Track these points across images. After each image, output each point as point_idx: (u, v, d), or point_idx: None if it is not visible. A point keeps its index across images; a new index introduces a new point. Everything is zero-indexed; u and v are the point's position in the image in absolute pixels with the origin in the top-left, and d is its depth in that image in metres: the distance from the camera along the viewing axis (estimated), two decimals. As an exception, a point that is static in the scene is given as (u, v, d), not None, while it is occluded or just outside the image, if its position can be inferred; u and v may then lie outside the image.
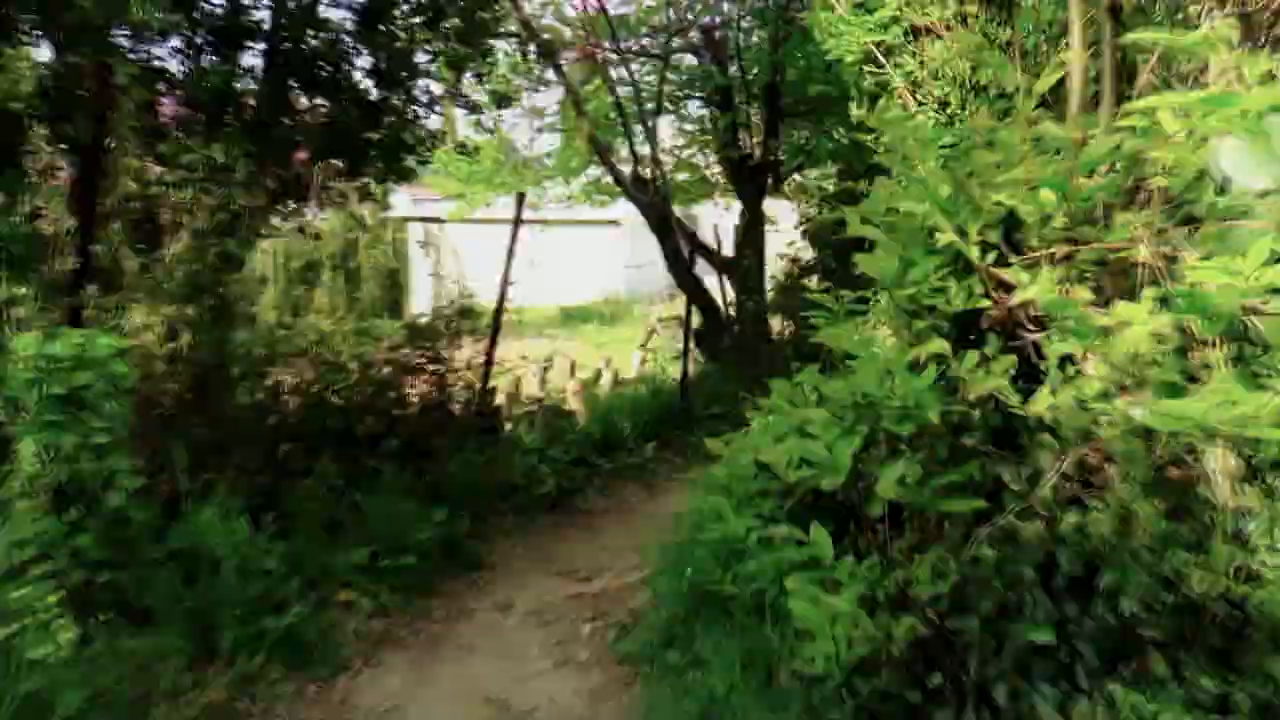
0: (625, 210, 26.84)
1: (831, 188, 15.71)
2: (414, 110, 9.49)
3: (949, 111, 7.33)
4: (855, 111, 9.04)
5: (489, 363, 8.43)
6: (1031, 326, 3.52)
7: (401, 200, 32.82)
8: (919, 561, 3.40)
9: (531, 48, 13.60)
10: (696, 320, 13.20)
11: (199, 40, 7.22)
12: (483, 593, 6.31)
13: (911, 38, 7.78)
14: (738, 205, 15.43)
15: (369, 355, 7.35)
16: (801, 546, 3.83)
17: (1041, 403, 3.11)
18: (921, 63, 7.74)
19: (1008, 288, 3.55)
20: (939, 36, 7.41)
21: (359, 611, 5.51)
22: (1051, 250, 3.34)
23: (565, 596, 6.30)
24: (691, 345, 12.52)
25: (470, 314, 8.18)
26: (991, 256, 3.48)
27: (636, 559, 6.88)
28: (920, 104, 7.69)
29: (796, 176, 16.49)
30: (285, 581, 5.11)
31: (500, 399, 12.88)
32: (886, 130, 5.02)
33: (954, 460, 3.36)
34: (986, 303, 3.61)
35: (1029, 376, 3.52)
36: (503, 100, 11.16)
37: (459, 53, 9.24)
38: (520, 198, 9.02)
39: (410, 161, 9.56)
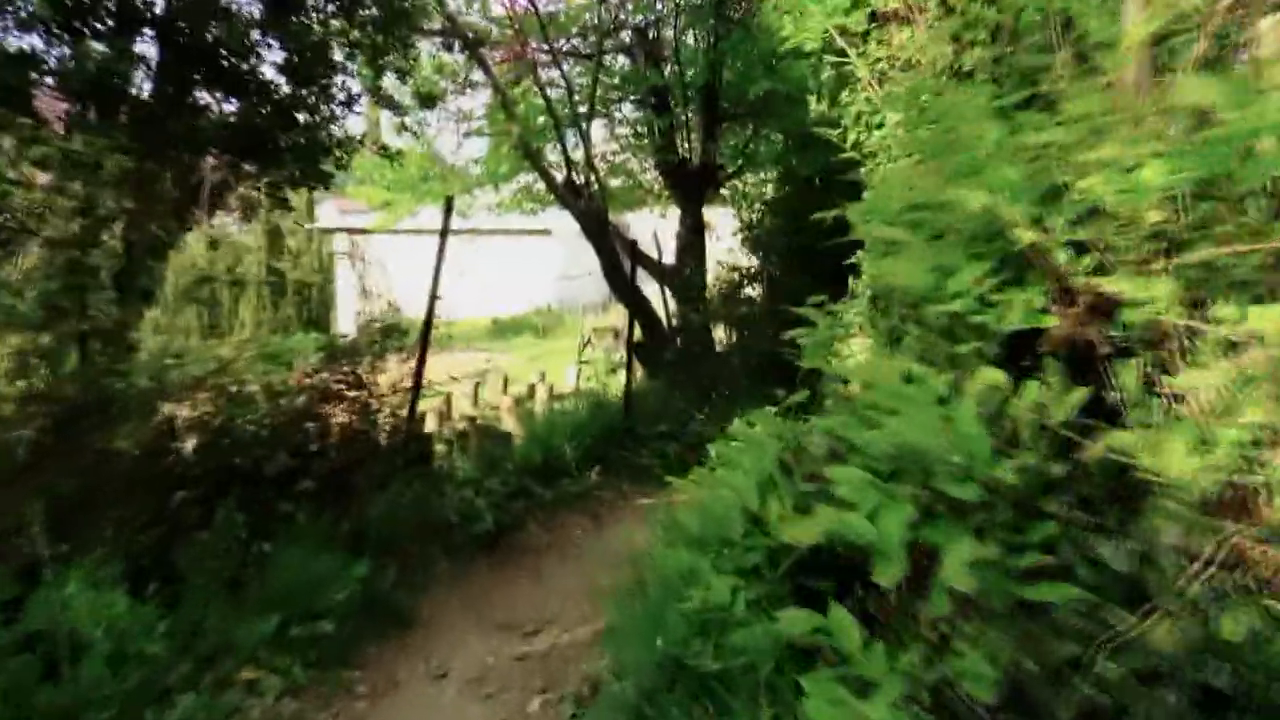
0: (557, 219, 26.09)
1: (770, 193, 15.02)
2: (330, 109, 8.60)
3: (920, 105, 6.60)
4: (814, 106, 8.35)
5: (417, 385, 7.49)
6: (1106, 347, 2.74)
7: (328, 212, 31.72)
8: (971, 652, 2.58)
9: (457, 45, 12.75)
10: (636, 332, 12.38)
11: (77, 24, 6.23)
12: (414, 657, 5.39)
13: (877, 24, 7.03)
14: (674, 212, 14.71)
15: (280, 382, 6.37)
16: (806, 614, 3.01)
17: (1173, 457, 2.27)
18: (886, 53, 7.00)
19: (1072, 298, 2.78)
20: (907, 22, 6.67)
21: (266, 692, 4.56)
22: (1158, 250, 2.54)
23: (510, 658, 5.42)
24: (632, 359, 11.66)
25: (396, 332, 7.25)
26: (1063, 257, 2.70)
27: (586, 607, 6.06)
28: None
29: (735, 182, 15.76)
30: (173, 663, 4.17)
31: (430, 423, 11.97)
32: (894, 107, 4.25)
33: (1028, 531, 2.53)
34: (1049, 319, 2.81)
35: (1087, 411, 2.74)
36: (427, 100, 10.25)
37: (377, 43, 8.35)
38: (448, 205, 8.09)
39: (328, 165, 8.66)
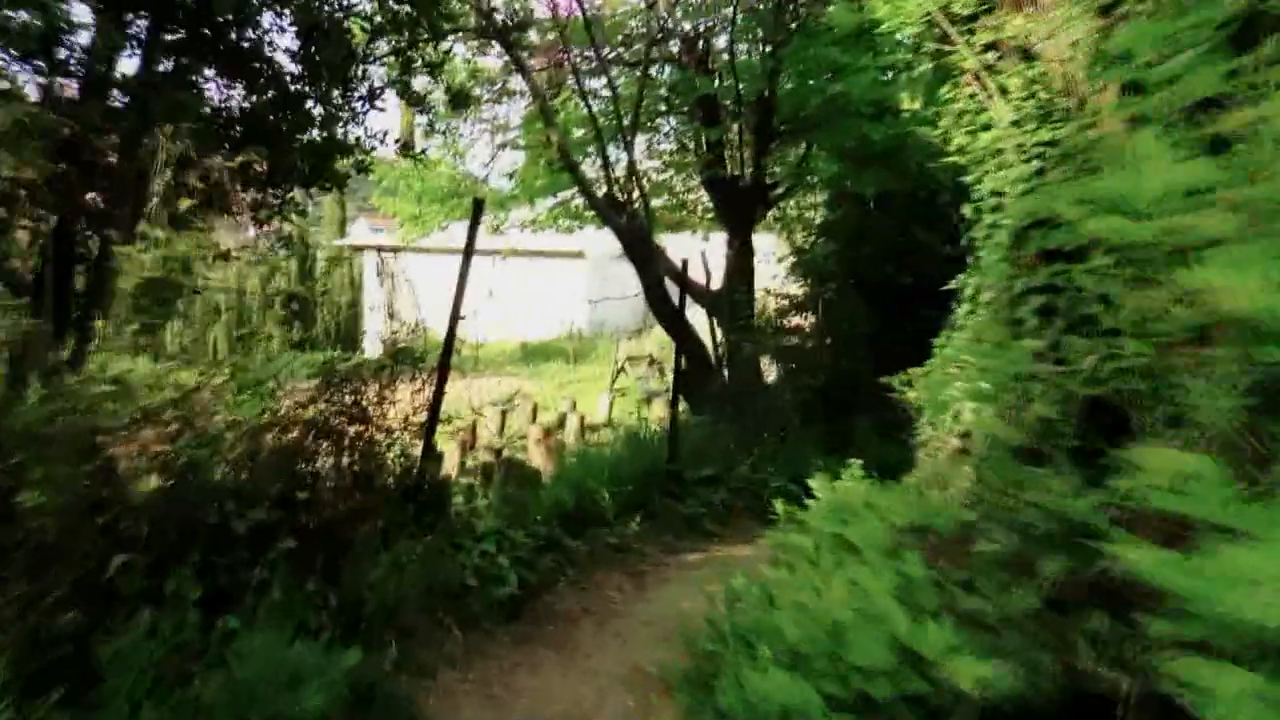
0: (589, 240, 25.03)
1: (822, 216, 13.83)
2: (348, 103, 7.52)
3: (1041, 101, 5.39)
4: (908, 104, 7.15)
5: (433, 418, 6.29)
6: None
7: (360, 229, 30.78)
8: None
9: (494, 49, 11.69)
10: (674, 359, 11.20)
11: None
12: (412, 777, 4.21)
13: (986, 7, 5.83)
14: (717, 236, 13.54)
15: (262, 414, 5.18)
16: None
17: None
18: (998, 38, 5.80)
19: None
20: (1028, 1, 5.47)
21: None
22: None
23: (535, 775, 4.23)
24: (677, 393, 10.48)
25: (408, 355, 6.05)
26: None
27: (629, 699, 4.88)
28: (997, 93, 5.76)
29: (782, 205, 14.56)
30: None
31: (451, 457, 10.82)
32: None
33: None
34: None
35: None
36: (460, 100, 9.09)
37: (404, 26, 7.26)
38: (476, 210, 6.94)
39: (346, 163, 7.56)
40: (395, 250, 26.08)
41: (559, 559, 6.68)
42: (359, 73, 7.44)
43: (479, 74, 12.98)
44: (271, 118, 6.98)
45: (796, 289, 13.11)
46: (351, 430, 5.54)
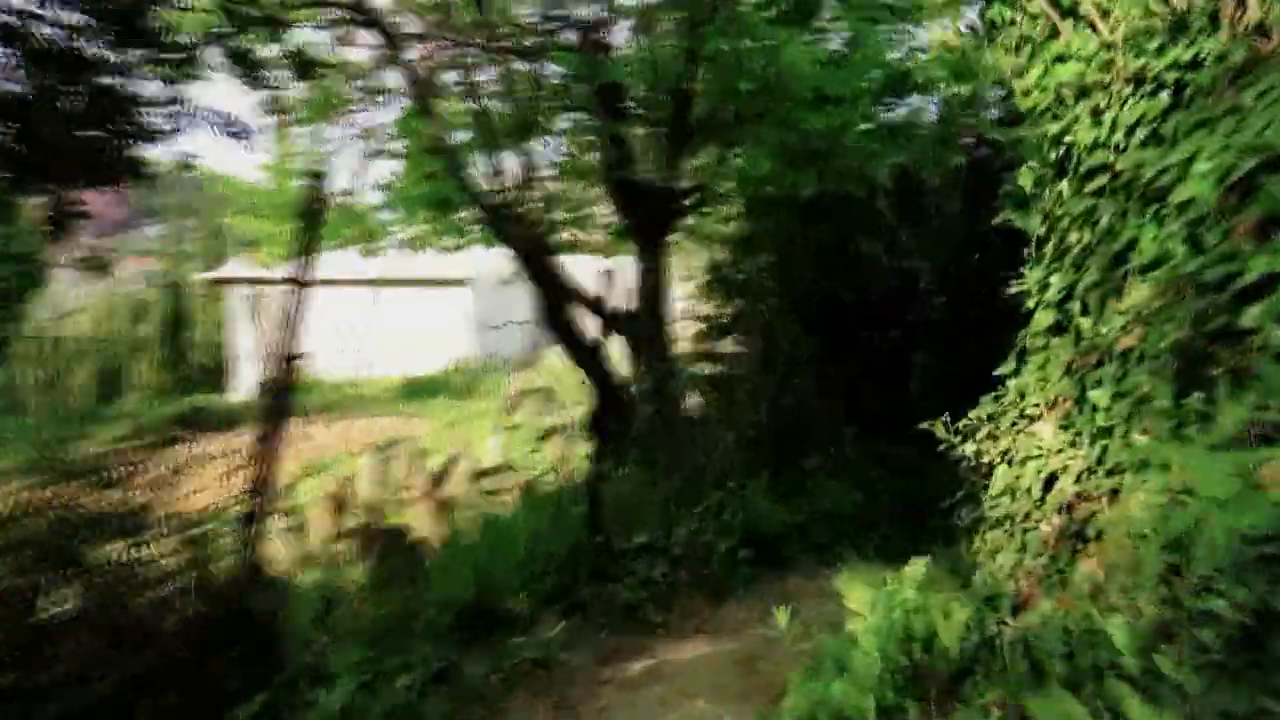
0: (475, 266, 22.76)
1: (738, 228, 11.89)
2: (142, 63, 5.33)
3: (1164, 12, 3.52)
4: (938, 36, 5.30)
5: (258, 504, 4.10)
6: None
7: (239, 265, 27.79)
8: None
9: (364, 33, 9.57)
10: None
11: None
12: None
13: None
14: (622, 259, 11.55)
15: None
16: None
17: None
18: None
19: None
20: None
21: None
22: None
23: None
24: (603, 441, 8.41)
25: (208, 414, 3.88)
26: None
27: None
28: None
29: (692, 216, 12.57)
30: None
31: (314, 534, 8.65)
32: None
33: None
34: None
35: None
36: (304, 69, 6.86)
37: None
38: (312, 212, 4.81)
39: (138, 151, 5.34)
40: (268, 284, 23.55)
41: (454, 697, 4.55)
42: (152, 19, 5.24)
43: (341, 67, 10.73)
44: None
45: (715, 310, 11.22)
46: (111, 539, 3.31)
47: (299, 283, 4.05)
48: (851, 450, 9.69)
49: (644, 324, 10.05)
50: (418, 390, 21.38)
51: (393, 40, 9.04)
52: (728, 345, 10.66)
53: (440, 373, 22.29)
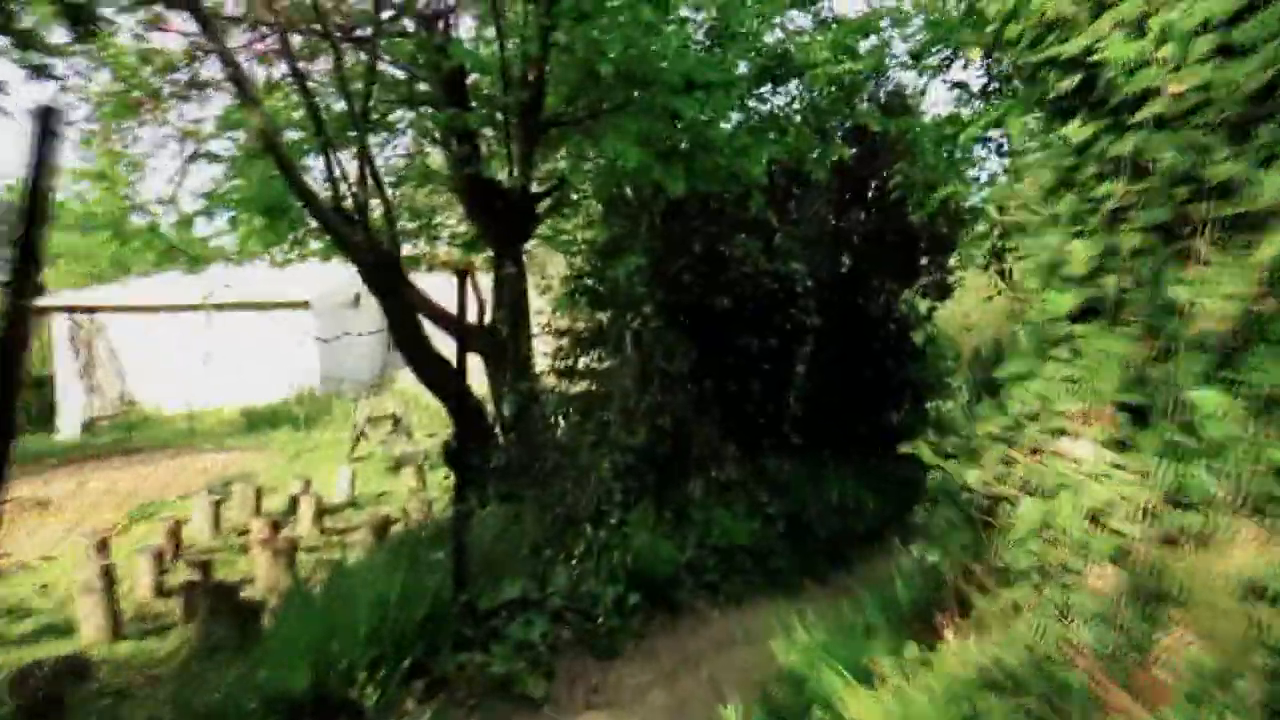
0: (315, 287, 21.14)
1: (597, 234, 10.86)
2: None
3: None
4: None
5: None
6: None
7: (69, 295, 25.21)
8: None
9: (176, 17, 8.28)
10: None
11: None
12: None
13: None
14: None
15: None
16: None
17: None
18: None
19: None
20: None
21: None
22: None
23: None
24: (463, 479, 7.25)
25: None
26: None
27: None
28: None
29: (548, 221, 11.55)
30: None
31: (138, 588, 7.32)
32: None
33: None
34: None
35: None
36: (76, 16, 5.48)
37: None
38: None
39: None
40: (91, 310, 21.35)
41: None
42: None
43: (151, 59, 9.30)
44: None
45: (580, 322, 10.20)
46: None
47: (22, 304, 2.84)
48: (734, 470, 8.83)
49: (503, 340, 8.97)
50: (258, 421, 19.65)
51: (210, 25, 7.71)
52: (596, 361, 9.64)
53: (282, 402, 20.56)
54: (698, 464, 8.25)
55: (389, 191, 9.65)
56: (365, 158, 8.51)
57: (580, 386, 9.40)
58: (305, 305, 21.28)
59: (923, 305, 15.27)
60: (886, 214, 12.61)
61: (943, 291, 14.82)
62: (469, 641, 5.21)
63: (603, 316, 9.74)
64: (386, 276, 8.21)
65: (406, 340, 8.37)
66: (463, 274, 6.51)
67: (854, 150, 10.91)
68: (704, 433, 8.54)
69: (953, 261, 14.30)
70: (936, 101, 39.64)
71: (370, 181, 8.52)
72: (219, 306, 20.41)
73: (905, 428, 16.07)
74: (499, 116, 8.79)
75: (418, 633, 5.02)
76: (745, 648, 5.94)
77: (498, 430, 8.51)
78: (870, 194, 12.70)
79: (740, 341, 9.89)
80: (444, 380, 8.24)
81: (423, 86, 9.81)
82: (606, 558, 6.37)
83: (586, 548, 6.44)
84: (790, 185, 10.87)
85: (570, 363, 9.65)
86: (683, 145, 8.69)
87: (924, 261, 13.83)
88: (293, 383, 20.95)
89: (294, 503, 11.88)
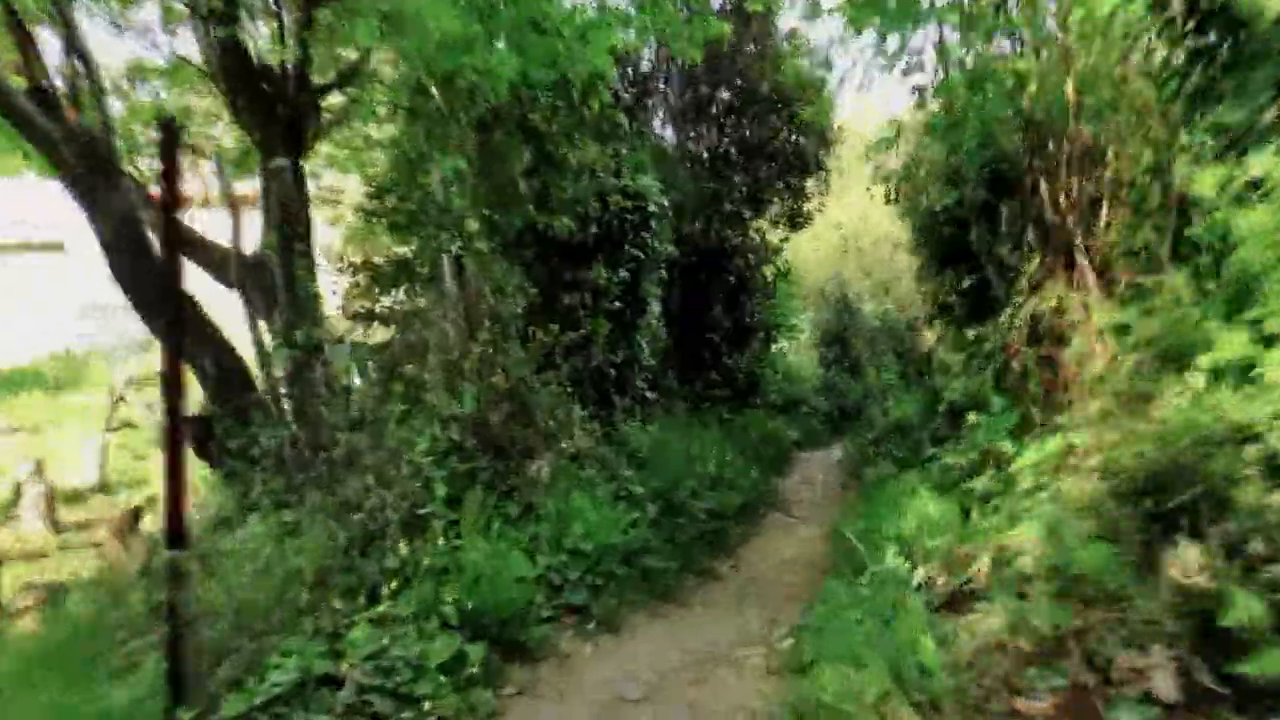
0: (74, 227, 17.72)
1: (402, 135, 8.19)
2: None
3: None
4: None
5: None
6: None
7: None
8: None
9: None
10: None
11: None
12: None
13: None
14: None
15: None
16: None
17: None
18: None
19: None
20: None
21: None
22: None
23: None
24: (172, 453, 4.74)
25: None
26: None
27: None
28: None
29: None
30: None
31: None
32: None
33: None
34: None
35: None
36: None
37: None
38: None
39: None
40: None
41: None
42: None
43: None
44: None
45: (380, 252, 7.89)
46: None
47: None
48: (584, 440, 6.69)
49: (276, 274, 6.50)
50: (2, 384, 16.23)
51: None
52: (404, 300, 7.29)
53: (32, 363, 17.10)
54: (544, 435, 6.07)
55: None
56: (70, 33, 6.02)
57: (382, 335, 7.04)
58: (59, 248, 17.75)
59: (775, 236, 13.55)
60: (742, 129, 10.76)
61: (796, 221, 13.17)
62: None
63: (409, 250, 7.43)
64: (98, 175, 5.75)
65: (120, 260, 5.96)
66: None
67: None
68: (549, 393, 6.37)
69: (810, 185, 12.62)
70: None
71: (79, 56, 6.06)
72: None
73: (753, 375, 14.45)
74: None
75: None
76: (644, 706, 3.96)
77: (271, 402, 6.08)
78: (722, 104, 10.80)
79: (586, 274, 7.75)
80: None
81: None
82: (430, 591, 4.12)
83: (404, 578, 4.19)
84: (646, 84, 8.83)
85: (368, 304, 7.29)
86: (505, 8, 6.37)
87: (780, 185, 12.06)
88: (46, 343, 17.46)
89: (19, 491, 9.15)
